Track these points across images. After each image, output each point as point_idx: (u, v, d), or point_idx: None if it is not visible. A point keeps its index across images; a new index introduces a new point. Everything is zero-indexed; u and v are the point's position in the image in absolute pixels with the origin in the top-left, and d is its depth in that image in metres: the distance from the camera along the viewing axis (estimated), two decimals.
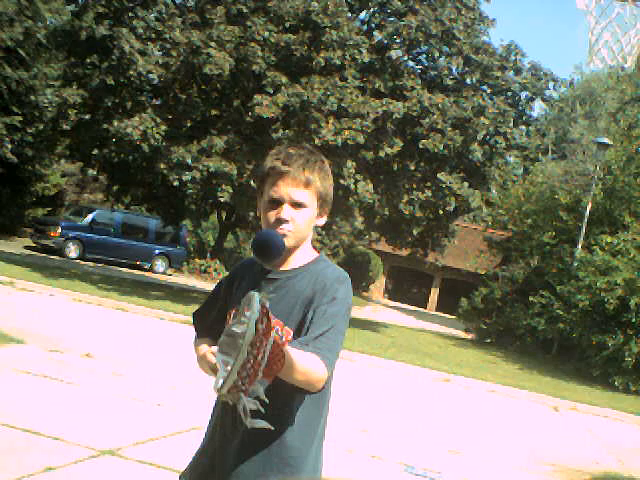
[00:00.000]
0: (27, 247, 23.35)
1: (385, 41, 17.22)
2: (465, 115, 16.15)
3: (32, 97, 23.19)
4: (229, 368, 1.63)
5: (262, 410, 1.67)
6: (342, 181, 15.17)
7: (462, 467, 6.70)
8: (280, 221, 2.04)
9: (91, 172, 20.18)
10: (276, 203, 2.06)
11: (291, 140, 14.76)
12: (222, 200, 15.83)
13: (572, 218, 19.30)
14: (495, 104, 16.92)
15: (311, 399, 2.03)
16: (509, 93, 17.89)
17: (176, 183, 15.41)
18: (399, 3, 16.74)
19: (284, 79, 15.12)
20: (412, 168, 17.06)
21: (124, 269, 23.40)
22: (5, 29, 21.68)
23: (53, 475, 4.50)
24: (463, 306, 22.60)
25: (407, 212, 16.62)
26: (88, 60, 16.94)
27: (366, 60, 15.96)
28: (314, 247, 2.19)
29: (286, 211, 2.04)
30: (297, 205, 2.06)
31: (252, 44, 15.13)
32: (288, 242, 2.04)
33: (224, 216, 27.59)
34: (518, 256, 20.93)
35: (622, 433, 10.88)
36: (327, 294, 2.02)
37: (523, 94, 18.09)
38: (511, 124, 17.22)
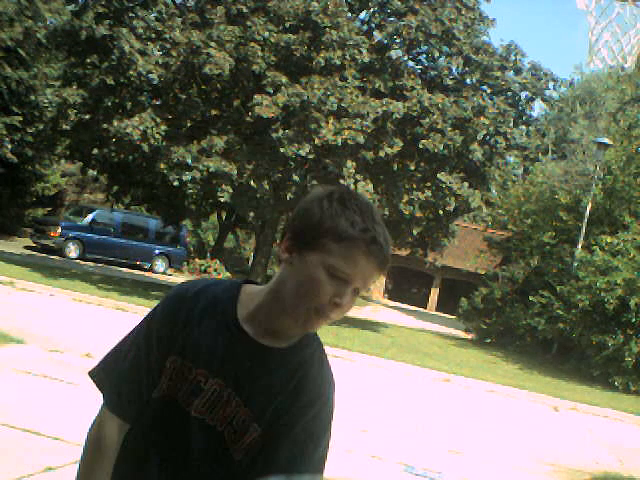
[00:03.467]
0: (27, 247, 23.35)
1: (385, 41, 17.22)
2: (465, 115, 16.15)
3: (32, 97, 23.19)
4: None
5: None
6: (342, 181, 15.17)
7: (462, 467, 6.70)
8: (331, 306, 1.49)
9: (91, 172, 20.18)
10: (338, 279, 1.48)
11: (291, 140, 14.75)
12: (222, 200, 15.82)
13: (572, 218, 19.30)
14: (495, 104, 16.91)
15: None
16: (509, 93, 17.88)
17: (176, 183, 15.41)
18: (399, 3, 16.73)
19: (284, 79, 15.12)
20: (412, 168, 17.05)
21: (124, 269, 23.40)
22: (5, 29, 21.67)
23: (53, 475, 4.50)
24: (463, 306, 22.59)
25: (407, 212, 16.62)
26: (88, 60, 16.94)
27: (366, 60, 15.95)
28: None
29: (347, 296, 1.50)
30: (358, 291, 1.54)
31: (252, 44, 15.13)
32: (315, 329, 1.57)
33: (224, 216, 27.60)
34: (518, 256, 20.93)
35: (622, 433, 10.87)
36: (311, 405, 1.56)
37: (523, 94, 18.09)
38: (511, 124, 17.21)
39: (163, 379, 1.59)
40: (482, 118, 16.31)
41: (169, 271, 25.51)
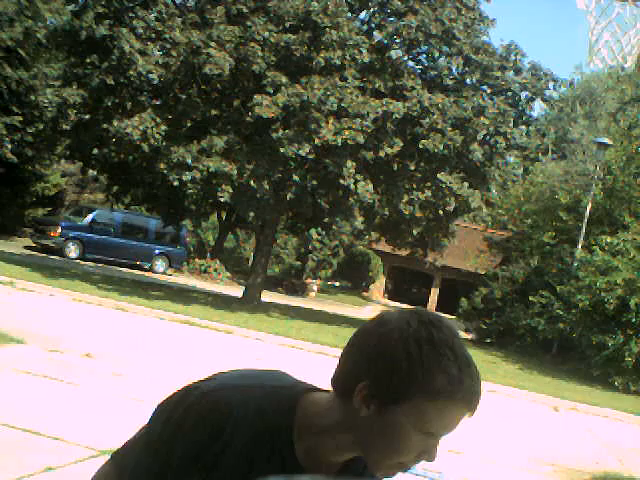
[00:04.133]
0: (27, 247, 23.35)
1: (385, 41, 17.22)
2: (465, 115, 16.15)
3: (32, 97, 23.18)
4: None
5: None
6: (342, 181, 15.17)
7: (462, 467, 6.70)
8: (416, 460, 1.34)
9: (91, 172, 20.18)
10: (427, 434, 1.32)
11: (291, 140, 14.75)
12: (222, 200, 15.83)
13: (572, 218, 19.31)
14: (495, 104, 16.91)
15: None
16: (509, 93, 17.88)
17: (176, 183, 15.42)
18: (399, 3, 16.73)
19: (284, 79, 15.13)
20: (412, 168, 17.06)
21: (124, 269, 23.40)
22: (5, 29, 21.66)
23: (53, 475, 4.50)
24: (463, 306, 22.59)
25: (407, 212, 16.62)
26: (88, 60, 16.94)
27: (366, 60, 15.96)
28: None
29: (436, 450, 1.35)
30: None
31: (252, 44, 15.13)
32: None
33: (224, 216, 27.59)
34: (518, 256, 20.94)
35: (622, 433, 10.87)
36: None
37: (523, 94, 18.08)
38: (511, 124, 17.21)
39: None
40: (482, 118, 16.32)
41: (169, 271, 25.51)
